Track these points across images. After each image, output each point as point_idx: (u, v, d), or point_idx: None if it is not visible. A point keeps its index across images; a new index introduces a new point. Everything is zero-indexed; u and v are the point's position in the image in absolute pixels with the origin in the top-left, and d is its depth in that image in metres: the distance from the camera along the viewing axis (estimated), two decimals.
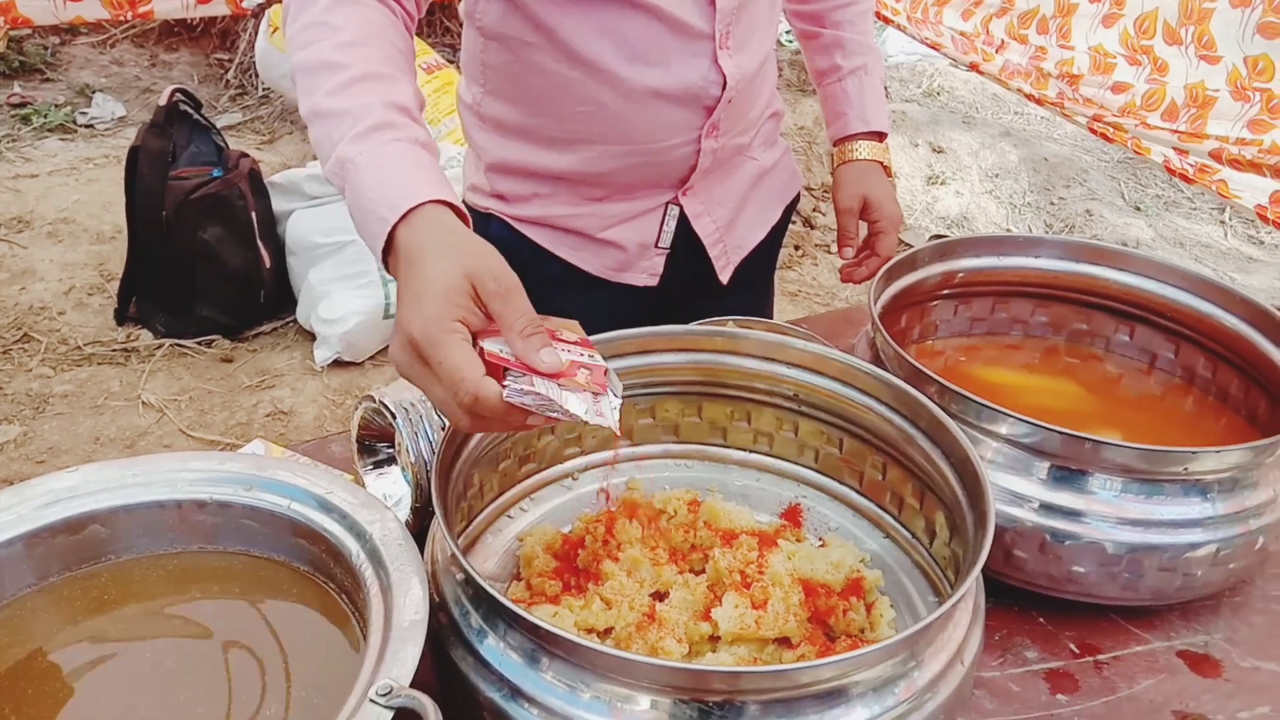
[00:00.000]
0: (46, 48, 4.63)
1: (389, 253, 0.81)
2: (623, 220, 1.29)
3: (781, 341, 1.01)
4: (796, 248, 3.89)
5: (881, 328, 1.08)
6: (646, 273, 1.34)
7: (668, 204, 1.31)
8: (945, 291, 1.30)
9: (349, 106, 0.86)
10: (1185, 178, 2.83)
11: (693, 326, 1.05)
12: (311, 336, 3.07)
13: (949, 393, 0.99)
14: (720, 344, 1.03)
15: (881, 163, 1.43)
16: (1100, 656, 0.97)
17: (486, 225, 1.32)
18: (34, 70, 4.52)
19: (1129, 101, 2.90)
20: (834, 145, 1.47)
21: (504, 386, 0.71)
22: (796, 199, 1.51)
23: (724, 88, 1.20)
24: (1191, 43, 2.69)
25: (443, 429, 0.95)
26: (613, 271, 1.33)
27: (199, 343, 3.05)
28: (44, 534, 0.80)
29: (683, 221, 1.33)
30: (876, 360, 1.11)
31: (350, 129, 0.84)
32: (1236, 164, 2.65)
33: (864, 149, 1.43)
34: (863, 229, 1.45)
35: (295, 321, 3.16)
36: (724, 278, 1.40)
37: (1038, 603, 1.00)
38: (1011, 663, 0.95)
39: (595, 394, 0.75)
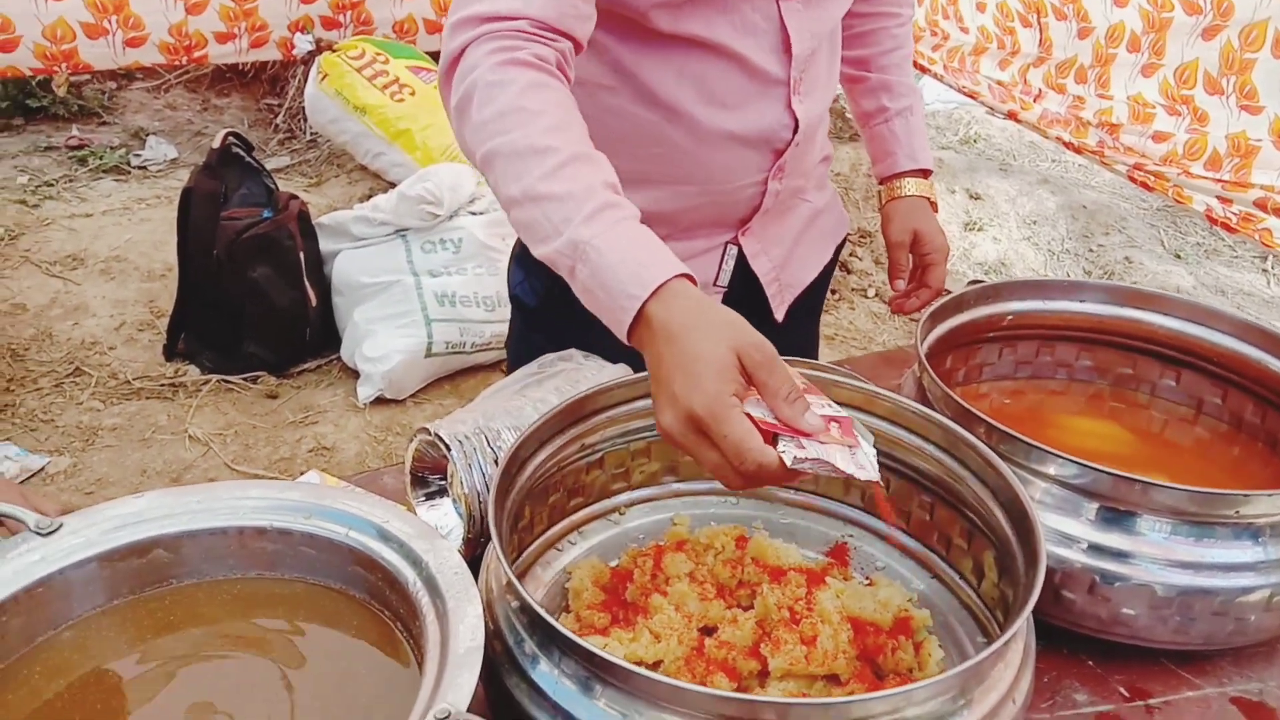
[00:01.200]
0: (104, 92, 4.78)
1: (637, 326, 0.85)
2: (683, 259, 1.31)
3: (830, 380, 1.02)
4: (833, 292, 3.90)
5: (929, 368, 1.09)
6: None
7: (726, 243, 1.34)
8: (991, 334, 1.30)
9: (570, 189, 0.89)
10: (1227, 227, 2.82)
11: None
12: (355, 374, 3.11)
13: (997, 433, 0.99)
14: None
15: (928, 198, 1.49)
16: (1151, 701, 0.96)
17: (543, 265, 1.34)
18: (92, 114, 4.66)
19: (1171, 150, 2.90)
20: (881, 183, 1.52)
21: (779, 450, 0.77)
22: (844, 240, 1.54)
23: (795, 131, 1.24)
24: (1233, 93, 2.69)
25: (495, 462, 0.97)
26: None
27: (245, 379, 3.10)
28: (112, 556, 0.83)
29: (740, 260, 1.35)
30: (923, 401, 1.11)
31: (577, 211, 0.88)
32: None
33: (911, 185, 1.48)
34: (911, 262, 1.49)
35: (339, 359, 3.20)
36: (779, 315, 1.43)
37: (1086, 646, 0.99)
38: (1061, 705, 0.95)
39: (850, 446, 0.80)
